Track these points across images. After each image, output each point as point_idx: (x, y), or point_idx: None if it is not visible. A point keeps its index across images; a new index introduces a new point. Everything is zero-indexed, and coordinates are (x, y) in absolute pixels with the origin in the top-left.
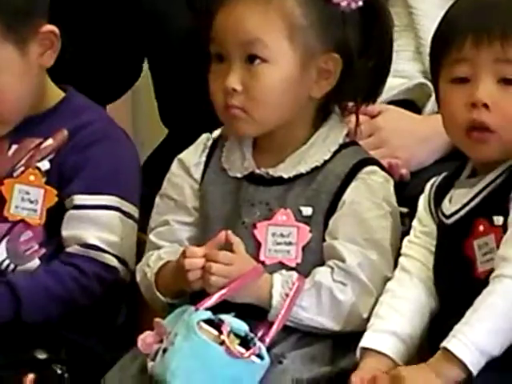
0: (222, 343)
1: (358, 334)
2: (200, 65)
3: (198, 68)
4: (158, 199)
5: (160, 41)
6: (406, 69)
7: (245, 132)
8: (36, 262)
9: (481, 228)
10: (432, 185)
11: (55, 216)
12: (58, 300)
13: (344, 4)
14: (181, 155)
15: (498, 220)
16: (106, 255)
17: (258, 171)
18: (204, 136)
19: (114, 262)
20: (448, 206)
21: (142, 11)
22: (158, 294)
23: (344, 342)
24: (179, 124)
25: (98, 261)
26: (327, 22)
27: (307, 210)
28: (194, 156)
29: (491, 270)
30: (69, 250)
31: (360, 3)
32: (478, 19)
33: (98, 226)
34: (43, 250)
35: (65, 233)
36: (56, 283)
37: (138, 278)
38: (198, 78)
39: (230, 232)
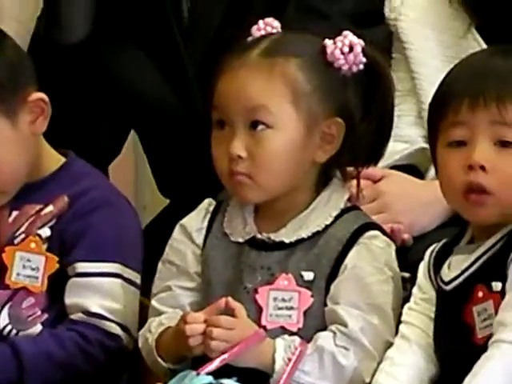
0: None
1: None
2: (186, 137)
3: (185, 139)
4: (160, 265)
5: (141, 118)
6: (409, 134)
7: (251, 198)
8: (38, 328)
9: (480, 294)
10: (432, 251)
11: (57, 282)
12: (60, 366)
13: (345, 68)
14: (183, 221)
15: (497, 286)
16: (109, 323)
17: (259, 236)
18: (206, 201)
19: (117, 329)
20: (447, 273)
21: (120, 89)
22: (159, 359)
23: None
24: (177, 193)
25: (102, 329)
26: (329, 87)
27: (309, 275)
28: (196, 221)
29: (490, 336)
30: (72, 317)
31: (361, 67)
32: (474, 83)
33: (100, 293)
34: (45, 316)
35: (68, 300)
36: (59, 348)
37: (140, 343)
38: (187, 148)
39: (230, 298)
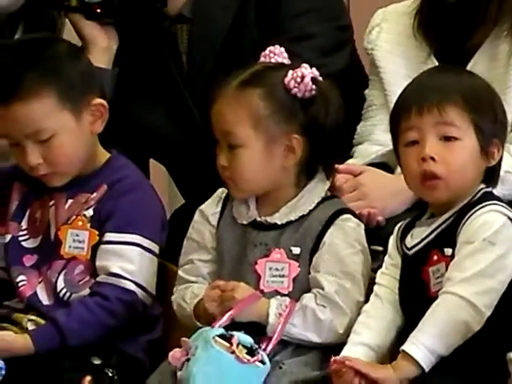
0: (233, 352)
1: (341, 346)
2: (193, 159)
3: (192, 160)
4: (185, 242)
5: (158, 147)
6: (382, 139)
7: (236, 195)
8: (87, 291)
9: (435, 258)
10: (399, 226)
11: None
12: (91, 326)
13: (300, 94)
14: (202, 206)
15: (448, 251)
16: (125, 281)
17: (258, 219)
18: (220, 190)
19: (132, 286)
20: (410, 241)
21: (141, 129)
22: (197, 323)
23: (330, 352)
24: (191, 196)
25: (119, 286)
26: (288, 110)
27: (296, 250)
28: (211, 207)
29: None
30: (98, 279)
31: (313, 92)
32: (419, 95)
33: (121, 258)
34: (92, 280)
35: (97, 263)
36: (86, 312)
37: (175, 307)
38: (194, 165)
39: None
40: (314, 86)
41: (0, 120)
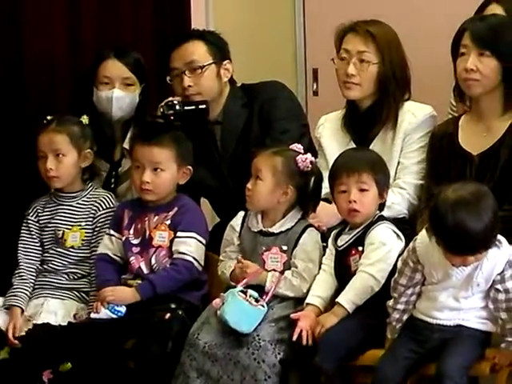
0: (247, 300)
1: (303, 299)
2: (224, 197)
3: (224, 199)
4: (223, 241)
5: (204, 192)
6: (327, 185)
7: (250, 208)
8: (167, 264)
9: (353, 252)
10: (334, 233)
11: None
12: (170, 281)
13: (301, 167)
14: (231, 222)
15: (360, 248)
16: (188, 257)
17: (263, 229)
18: (240, 212)
19: (191, 259)
20: (339, 242)
21: (194, 183)
22: (231, 282)
23: (300, 302)
24: (224, 216)
25: (185, 260)
26: (292, 172)
27: (285, 247)
28: (236, 222)
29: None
30: (174, 256)
31: (309, 166)
32: (346, 165)
33: (186, 244)
34: (169, 259)
35: (173, 248)
36: (167, 274)
37: (219, 273)
38: (225, 201)
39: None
40: (310, 165)
41: (138, 154)
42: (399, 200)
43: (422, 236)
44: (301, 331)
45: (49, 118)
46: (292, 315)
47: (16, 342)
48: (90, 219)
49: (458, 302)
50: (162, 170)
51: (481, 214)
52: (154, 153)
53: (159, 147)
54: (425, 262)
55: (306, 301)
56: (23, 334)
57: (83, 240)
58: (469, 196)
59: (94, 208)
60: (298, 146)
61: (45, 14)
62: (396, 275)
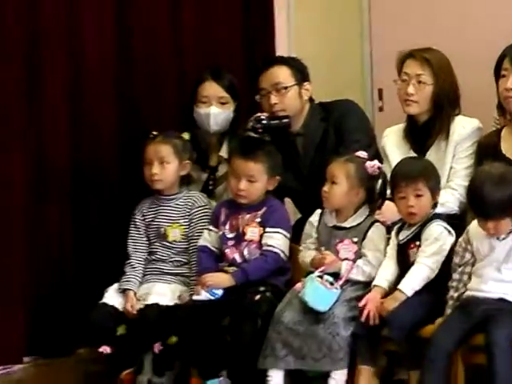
0: (323, 284)
1: (370, 282)
2: (305, 197)
3: (304, 198)
4: (303, 235)
5: (288, 193)
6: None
7: (327, 206)
8: (257, 255)
9: (412, 245)
10: (396, 228)
11: (261, 237)
12: (260, 270)
13: (370, 171)
14: (310, 218)
15: (417, 243)
16: (276, 249)
17: (337, 224)
18: (317, 210)
19: (278, 251)
20: (400, 237)
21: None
22: (311, 268)
23: (368, 285)
24: (305, 213)
25: (273, 251)
26: (363, 176)
27: (355, 239)
28: (314, 218)
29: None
30: (263, 248)
31: (377, 171)
32: (404, 173)
33: (273, 239)
34: (259, 251)
35: (262, 242)
36: (257, 263)
37: (300, 261)
38: (306, 199)
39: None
40: (377, 170)
41: (236, 166)
42: (451, 199)
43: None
44: (368, 313)
45: (154, 132)
46: (360, 304)
47: (134, 314)
48: (187, 217)
49: (501, 273)
50: (255, 181)
51: (500, 184)
52: (249, 166)
53: (254, 162)
54: (473, 240)
55: (374, 283)
56: (135, 312)
57: (182, 235)
58: (494, 171)
59: (189, 207)
60: (363, 154)
61: (153, 43)
62: (453, 258)
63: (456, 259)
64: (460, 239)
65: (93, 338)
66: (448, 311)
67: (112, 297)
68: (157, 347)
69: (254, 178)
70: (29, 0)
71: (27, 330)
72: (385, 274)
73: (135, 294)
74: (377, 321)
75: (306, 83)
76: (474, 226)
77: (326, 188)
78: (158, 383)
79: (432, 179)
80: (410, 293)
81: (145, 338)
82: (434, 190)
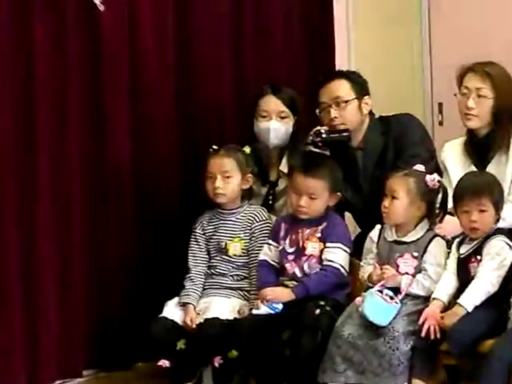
0: (383, 298)
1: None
2: (363, 211)
3: (363, 212)
4: (364, 249)
5: (347, 207)
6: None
7: (387, 221)
8: (317, 270)
9: (473, 260)
10: (457, 242)
11: (321, 252)
12: (320, 284)
13: (430, 185)
14: (370, 233)
15: (479, 257)
16: (336, 265)
17: (397, 239)
18: (377, 226)
19: (338, 266)
20: (461, 251)
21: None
22: (369, 284)
23: (428, 300)
24: (365, 228)
25: (333, 267)
26: (423, 191)
27: (415, 254)
28: (374, 233)
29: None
30: (324, 263)
31: (436, 186)
32: (468, 188)
33: (333, 254)
34: (319, 265)
35: (323, 257)
36: (318, 278)
37: (360, 276)
38: (364, 213)
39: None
40: (437, 184)
41: (296, 182)
42: (511, 213)
43: None
44: (428, 327)
45: (214, 147)
46: (420, 321)
47: (193, 328)
48: (248, 231)
49: None
50: (316, 197)
51: None
52: (310, 184)
53: (315, 178)
54: None
55: (433, 295)
56: (195, 326)
57: (243, 249)
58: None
59: (250, 221)
60: (420, 167)
61: (214, 58)
62: None
63: None
64: None
65: (152, 351)
66: (510, 326)
67: (172, 311)
68: (217, 361)
69: (315, 195)
70: (90, 14)
71: (87, 343)
72: (445, 288)
73: (195, 308)
74: (438, 335)
75: (365, 97)
76: None
77: (386, 203)
78: None
79: (496, 195)
80: (470, 308)
81: (204, 353)
82: (498, 206)
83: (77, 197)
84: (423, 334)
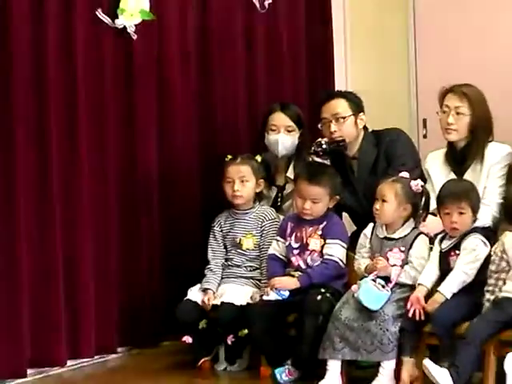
0: (375, 286)
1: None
2: (361, 213)
3: (360, 214)
4: (358, 244)
5: (344, 208)
6: (433, 203)
7: (379, 220)
8: (319, 262)
9: (452, 254)
10: (439, 238)
11: (322, 248)
12: (321, 275)
13: (415, 189)
14: (364, 231)
15: (458, 251)
16: (335, 258)
17: (387, 235)
18: (370, 224)
19: (337, 260)
20: (442, 245)
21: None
22: (365, 274)
23: (413, 288)
24: (359, 226)
25: (333, 260)
26: (408, 194)
27: (402, 248)
28: (367, 230)
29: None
30: (324, 257)
31: (420, 189)
32: (449, 193)
33: (333, 249)
34: (320, 259)
35: (323, 251)
36: (320, 270)
37: (356, 268)
38: (362, 216)
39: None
40: (421, 188)
41: (301, 189)
42: (485, 214)
43: (509, 233)
44: (414, 311)
45: (229, 156)
46: (408, 306)
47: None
48: (259, 228)
49: None
50: (319, 202)
51: None
52: (313, 191)
53: (318, 186)
54: (509, 250)
55: (419, 281)
56: (214, 306)
57: (255, 244)
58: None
59: (261, 220)
60: (406, 174)
61: (230, 82)
62: (489, 266)
63: (492, 267)
64: (496, 249)
65: (178, 329)
66: (483, 311)
67: (195, 294)
68: (229, 339)
69: (318, 200)
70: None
71: (121, 324)
72: (429, 276)
73: (214, 293)
74: (422, 317)
75: (361, 114)
76: (510, 237)
77: (377, 206)
78: (233, 371)
79: (473, 199)
80: (448, 295)
81: (221, 332)
82: (475, 209)
83: (113, 197)
84: (410, 314)
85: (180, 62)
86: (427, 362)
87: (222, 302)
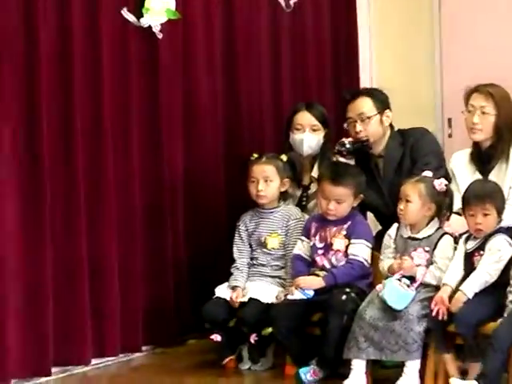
0: (401, 286)
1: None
2: (386, 214)
3: (386, 215)
4: (383, 244)
5: (369, 208)
6: (458, 202)
7: (403, 221)
8: (344, 262)
9: (476, 254)
10: (464, 238)
11: (347, 247)
12: (346, 275)
13: (438, 189)
14: (388, 231)
15: (482, 252)
16: (360, 258)
17: (411, 235)
18: (395, 224)
19: (362, 260)
20: (467, 246)
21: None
22: (388, 274)
23: (438, 288)
24: (384, 226)
25: (358, 260)
26: (432, 193)
27: (427, 248)
28: (392, 231)
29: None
30: (349, 257)
31: (444, 188)
32: (475, 194)
33: (357, 249)
34: (345, 259)
35: (348, 251)
36: (345, 270)
37: (380, 268)
38: (387, 216)
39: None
40: (445, 187)
41: (325, 189)
42: (510, 214)
43: None
44: (438, 310)
45: (255, 155)
46: (432, 306)
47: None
48: (284, 227)
49: None
50: (343, 202)
51: None
52: (337, 191)
53: (342, 186)
54: None
55: (444, 281)
56: (242, 303)
57: (280, 243)
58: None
59: (286, 219)
60: (429, 173)
61: (256, 81)
62: None
63: None
64: None
65: (207, 326)
66: (506, 313)
67: (224, 292)
68: (253, 338)
69: (342, 200)
70: (150, 40)
71: (146, 323)
72: (453, 275)
73: (242, 290)
74: (445, 317)
75: (386, 111)
76: None
77: (401, 206)
78: (257, 370)
79: (498, 201)
80: (470, 295)
81: (247, 330)
82: (500, 210)
83: (138, 197)
84: (433, 313)
85: (205, 62)
86: (454, 381)
87: (250, 298)
